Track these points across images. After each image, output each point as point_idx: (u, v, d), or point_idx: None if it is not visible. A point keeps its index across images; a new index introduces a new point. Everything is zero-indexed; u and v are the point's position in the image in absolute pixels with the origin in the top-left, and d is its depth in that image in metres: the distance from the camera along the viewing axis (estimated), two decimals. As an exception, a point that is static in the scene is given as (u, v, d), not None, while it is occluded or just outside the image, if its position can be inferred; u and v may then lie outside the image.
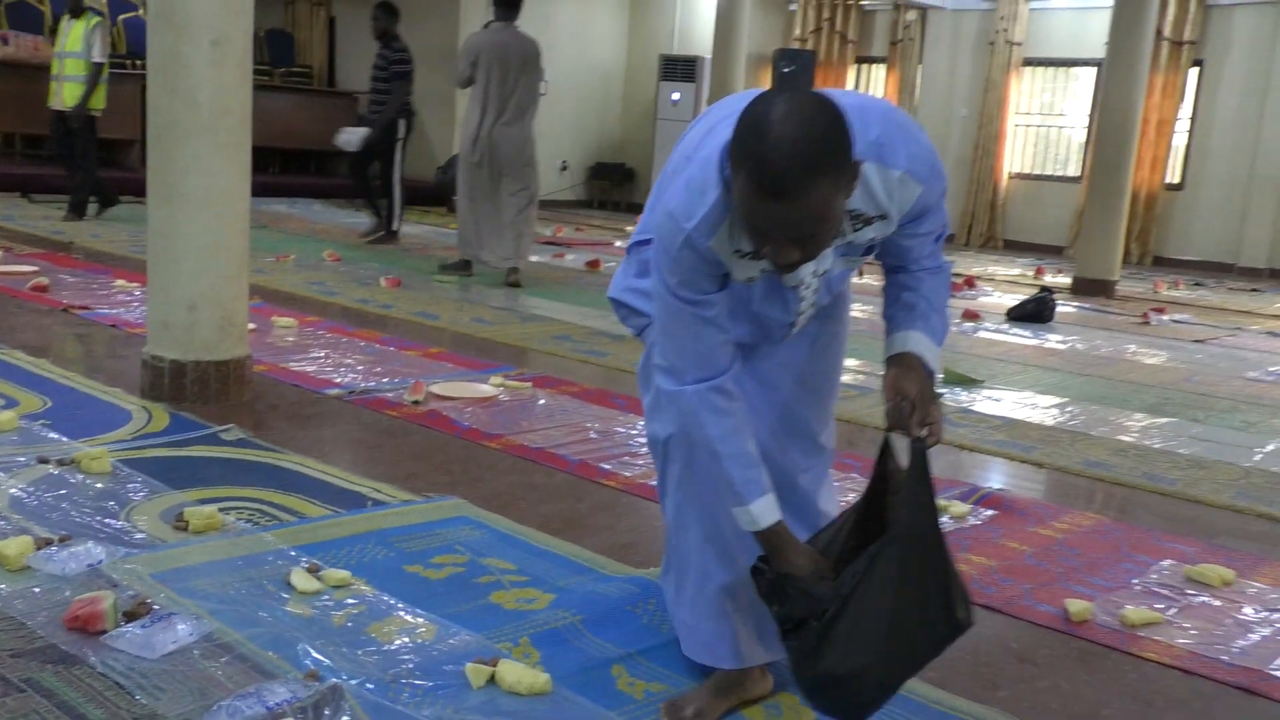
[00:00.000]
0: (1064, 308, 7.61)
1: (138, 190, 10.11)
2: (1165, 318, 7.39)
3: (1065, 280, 9.01)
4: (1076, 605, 2.41)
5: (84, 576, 2.20)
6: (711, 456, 1.68)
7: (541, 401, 3.97)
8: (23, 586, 2.14)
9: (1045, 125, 12.59)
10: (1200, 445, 4.02)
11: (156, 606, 2.07)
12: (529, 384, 4.18)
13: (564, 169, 14.11)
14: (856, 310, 2.86)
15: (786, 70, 13.07)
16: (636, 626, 2.16)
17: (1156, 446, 3.95)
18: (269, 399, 3.73)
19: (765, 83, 13.72)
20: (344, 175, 9.50)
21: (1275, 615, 2.49)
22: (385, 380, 4.09)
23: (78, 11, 7.88)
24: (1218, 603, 2.55)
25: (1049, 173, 12.51)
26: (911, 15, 12.94)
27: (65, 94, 7.88)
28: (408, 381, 4.03)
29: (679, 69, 13.24)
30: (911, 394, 1.64)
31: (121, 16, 12.30)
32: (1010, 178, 12.62)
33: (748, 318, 1.78)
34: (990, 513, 3.08)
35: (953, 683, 2.05)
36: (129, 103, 11.09)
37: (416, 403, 3.78)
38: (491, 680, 1.91)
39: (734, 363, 1.69)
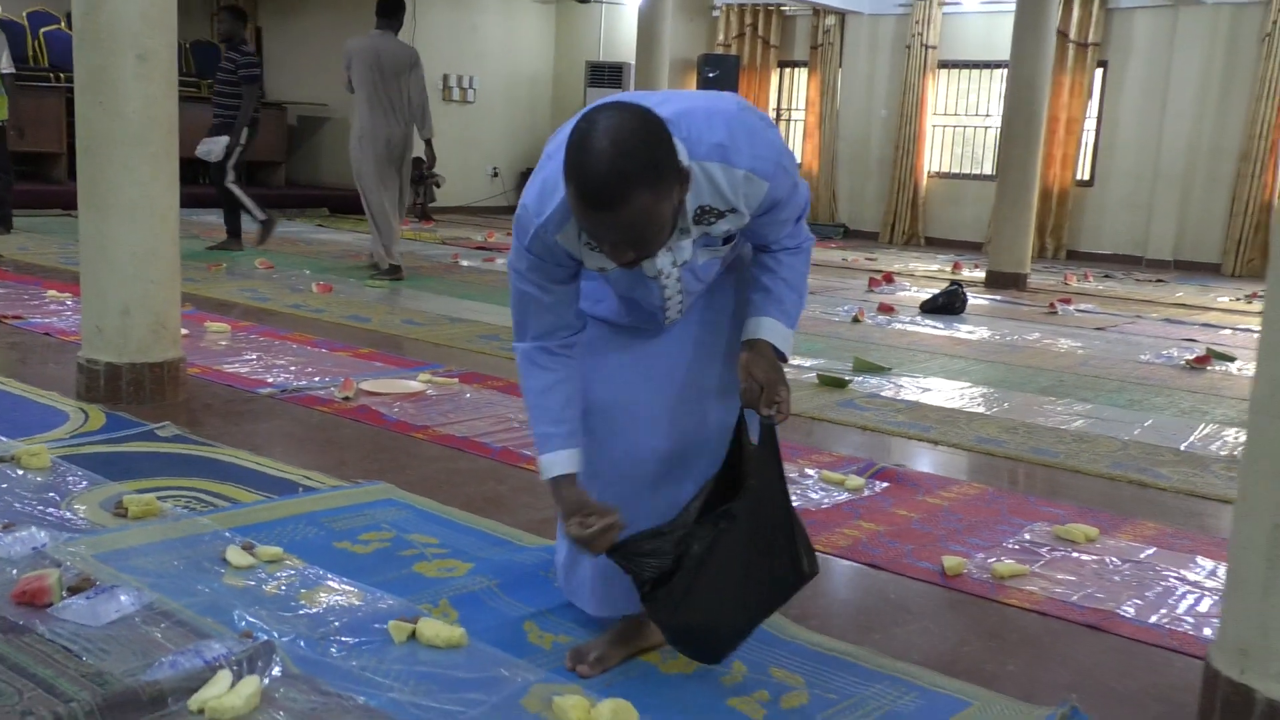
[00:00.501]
0: (977, 300, 7.94)
1: (67, 203, 10.11)
2: (1071, 308, 7.74)
3: (981, 274, 9.36)
4: (951, 561, 2.66)
5: (29, 558, 2.35)
6: (527, 409, 1.92)
7: (468, 395, 4.15)
8: (-28, 569, 2.29)
9: (962, 125, 13.00)
10: (1086, 421, 4.32)
11: (99, 581, 2.23)
12: (456, 380, 4.36)
13: (495, 175, 14.25)
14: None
15: (711, 75, 13.37)
16: (548, 589, 2.36)
17: (1045, 424, 4.24)
18: (203, 399, 3.88)
19: (690, 87, 13.99)
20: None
21: (1128, 565, 2.76)
22: (316, 379, 4.24)
23: None
24: (1080, 556, 2.81)
25: (967, 171, 12.92)
26: (831, 20, 13.28)
27: None
28: (338, 380, 4.20)
29: (605, 75, 13.46)
30: (759, 378, 1.85)
31: (43, 29, 12.23)
32: (930, 176, 13.01)
33: (623, 303, 1.97)
34: (884, 485, 3.32)
35: (832, 628, 2.28)
36: (53, 116, 11.07)
37: (347, 399, 3.95)
38: (412, 636, 2.10)
39: (574, 329, 1.89)
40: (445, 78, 13.45)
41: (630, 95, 1.85)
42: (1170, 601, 2.54)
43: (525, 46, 14.30)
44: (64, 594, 2.17)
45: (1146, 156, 11.52)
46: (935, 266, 10.40)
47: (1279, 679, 1.77)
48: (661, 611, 1.87)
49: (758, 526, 1.85)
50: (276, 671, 1.92)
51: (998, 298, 8.32)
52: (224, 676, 1.85)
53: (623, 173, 1.55)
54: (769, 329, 1.90)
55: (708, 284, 1.97)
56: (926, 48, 12.61)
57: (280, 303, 6.05)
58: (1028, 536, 2.94)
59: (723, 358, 2.01)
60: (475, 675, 1.98)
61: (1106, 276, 10.36)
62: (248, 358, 4.57)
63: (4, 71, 7.93)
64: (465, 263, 8.61)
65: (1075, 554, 2.83)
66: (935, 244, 12.79)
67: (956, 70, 12.86)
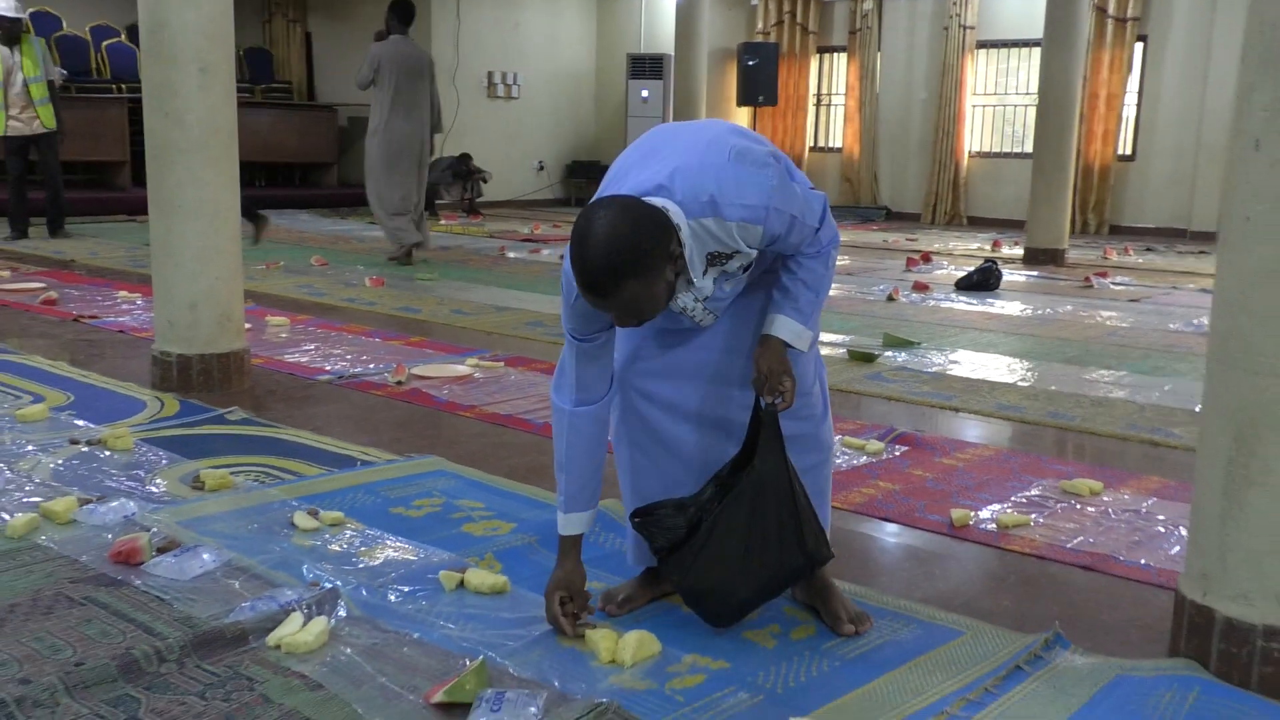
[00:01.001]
0: (1013, 276, 8.06)
1: (131, 209, 10.55)
2: (1107, 281, 7.83)
3: (1020, 252, 9.45)
4: (958, 513, 2.86)
5: (121, 525, 2.64)
6: (558, 466, 2.16)
7: (512, 377, 4.41)
8: (72, 535, 2.58)
9: (1002, 105, 13.04)
10: (1107, 387, 4.47)
11: (183, 543, 2.50)
12: (502, 364, 4.62)
13: (540, 169, 14.53)
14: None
15: (751, 63, 13.53)
16: (584, 544, 2.59)
17: (1066, 391, 4.40)
18: (267, 386, 4.17)
19: (730, 76, 14.17)
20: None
21: (1127, 514, 2.94)
22: (371, 366, 4.52)
23: (15, 39, 8.14)
24: (1084, 508, 2.99)
25: (1007, 150, 12.96)
26: (869, 4, 13.37)
27: (43, 117, 8.28)
28: (391, 366, 4.47)
29: (646, 67, 13.68)
30: (764, 369, 2.05)
31: (105, 42, 12.70)
32: (971, 156, 13.07)
33: (654, 327, 2.17)
34: (903, 449, 3.52)
35: (841, 574, 2.47)
36: (116, 125, 11.52)
37: (399, 383, 4.22)
38: (461, 585, 2.35)
39: (610, 392, 2.12)
40: (490, 75, 13.75)
41: (628, 157, 2.02)
42: (1162, 546, 2.72)
43: (567, 41, 14.55)
44: (154, 553, 2.45)
45: (1189, 130, 11.50)
46: (975, 245, 10.50)
47: (1235, 600, 1.96)
48: (674, 573, 2.14)
49: (759, 506, 2.07)
50: (342, 613, 2.18)
51: (1034, 274, 8.43)
52: (296, 618, 2.11)
53: (613, 268, 1.80)
54: (780, 325, 2.08)
55: (736, 294, 2.13)
56: (964, 28, 12.67)
57: (335, 297, 6.36)
58: (1035, 491, 3.13)
59: (748, 353, 2.19)
60: (517, 615, 2.22)
61: (1149, 250, 10.39)
62: (307, 348, 4.86)
63: (51, 79, 8.30)
64: (512, 254, 8.88)
65: (1079, 506, 3.01)
66: (977, 223, 12.85)
67: (995, 49, 12.89)
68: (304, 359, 4.65)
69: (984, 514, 2.92)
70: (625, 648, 2.04)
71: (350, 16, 13.84)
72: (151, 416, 3.68)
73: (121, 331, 5.15)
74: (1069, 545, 2.72)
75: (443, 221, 11.68)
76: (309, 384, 4.24)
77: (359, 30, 13.91)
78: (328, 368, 4.49)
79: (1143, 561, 2.62)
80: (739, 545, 2.08)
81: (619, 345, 2.20)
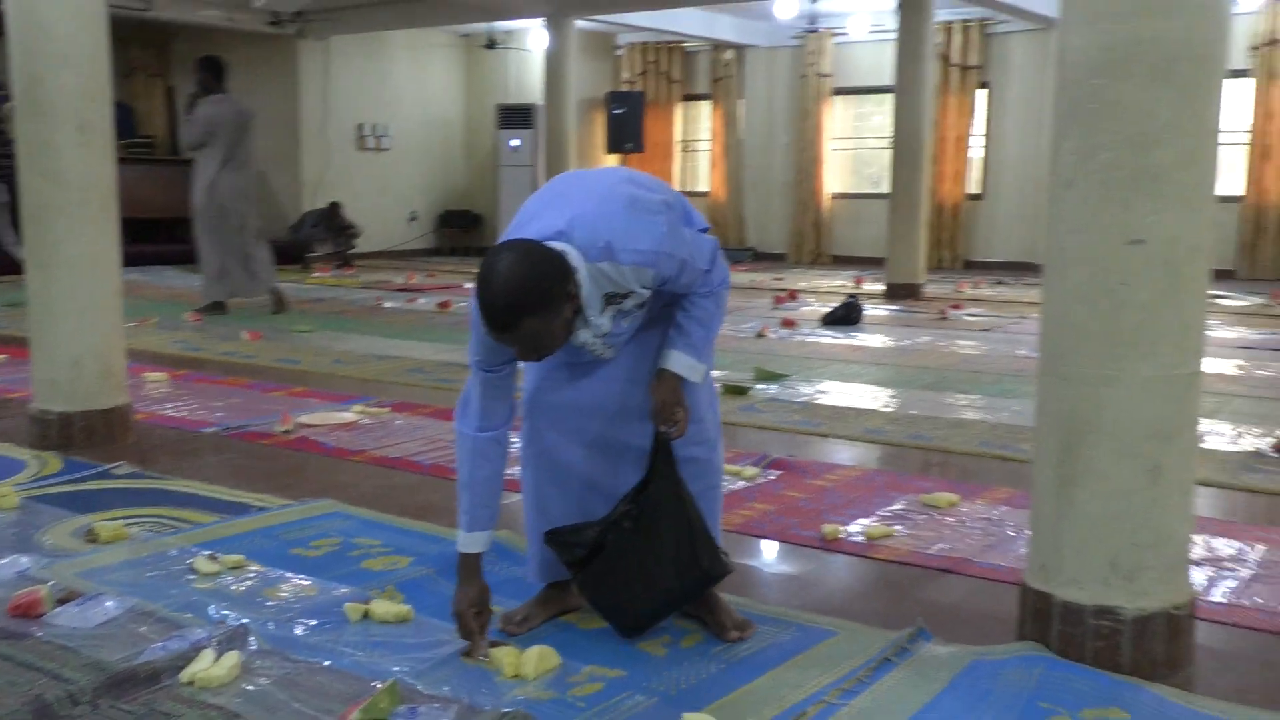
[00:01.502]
0: (875, 310, 8.47)
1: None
2: (961, 312, 8.29)
3: (881, 287, 9.91)
4: (829, 528, 3.08)
5: (15, 580, 2.65)
6: (461, 486, 2.29)
7: (399, 422, 4.50)
8: (-33, 590, 2.59)
9: (859, 148, 13.66)
10: (961, 410, 4.80)
11: (85, 593, 2.54)
12: (388, 409, 4.71)
13: (413, 219, 14.57)
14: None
15: (618, 111, 13.87)
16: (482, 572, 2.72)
17: (925, 414, 4.70)
18: (151, 440, 4.18)
19: (598, 124, 14.49)
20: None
21: (982, 522, 3.21)
22: (256, 417, 4.56)
23: None
24: (943, 518, 3.25)
25: (866, 191, 13.55)
26: (730, 54, 13.89)
27: None
28: (277, 415, 4.51)
29: (516, 116, 13.90)
30: (659, 400, 2.24)
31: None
32: (832, 198, 13.62)
33: (559, 360, 2.33)
34: (776, 473, 3.74)
35: (726, 587, 2.65)
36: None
37: (286, 432, 4.27)
38: (366, 615, 2.45)
39: (509, 421, 2.28)
40: (359, 127, 13.78)
41: (532, 205, 2.20)
42: (1012, 547, 2.98)
43: (436, 92, 14.68)
44: (55, 604, 2.48)
45: (1031, 169, 12.22)
46: (839, 282, 10.95)
47: (1069, 585, 2.21)
48: (586, 589, 2.34)
49: (655, 527, 2.26)
50: (253, 647, 2.26)
51: (895, 308, 8.86)
52: (208, 654, 2.19)
53: (512, 306, 1.96)
54: (674, 360, 2.27)
55: (634, 329, 2.29)
56: (821, 76, 13.26)
57: (213, 351, 6.33)
58: (899, 505, 3.37)
59: (648, 385, 2.34)
60: (422, 640, 2.34)
61: (1000, 283, 11.00)
62: (188, 402, 4.86)
63: None
64: (388, 304, 8.93)
65: (939, 516, 3.27)
66: (840, 261, 13.38)
67: (851, 95, 13.51)
68: (186, 413, 4.66)
69: (853, 528, 3.15)
70: (527, 662, 2.18)
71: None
72: (34, 475, 3.66)
73: (-8, 392, 5.06)
74: (930, 551, 2.96)
75: (315, 274, 11.64)
76: (195, 436, 4.26)
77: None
78: (212, 420, 4.51)
79: (996, 563, 2.87)
80: (637, 563, 2.27)
81: (527, 376, 2.37)
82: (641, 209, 2.12)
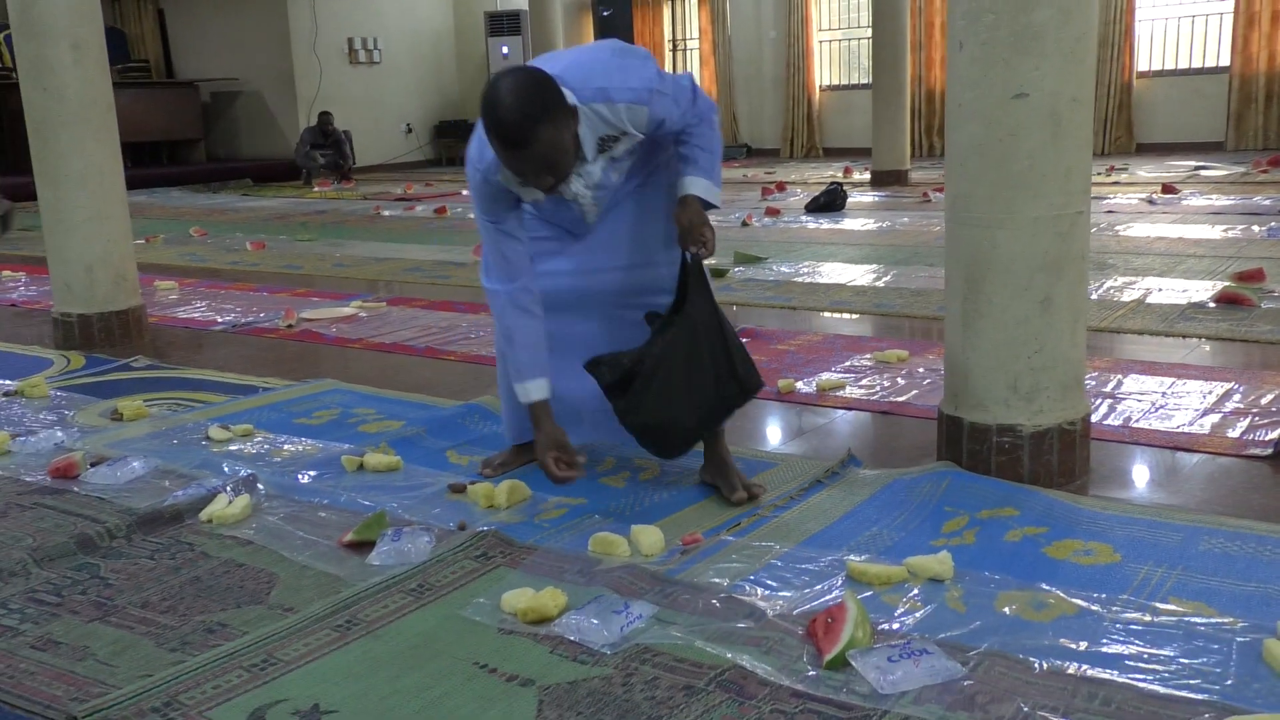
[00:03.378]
0: (860, 198, 8.67)
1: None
2: (942, 195, 8.47)
3: (868, 176, 10.09)
4: (784, 382, 3.38)
5: (53, 450, 2.98)
6: (508, 341, 2.44)
7: (395, 314, 4.79)
8: (10, 461, 2.92)
9: (847, 39, 13.67)
10: (926, 281, 5.06)
11: (114, 458, 2.87)
12: (384, 304, 5.00)
13: (409, 131, 14.71)
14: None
15: (606, 14, 13.88)
16: (464, 430, 3.04)
17: (893, 286, 4.97)
18: (165, 338, 4.49)
19: (587, 27, 14.52)
20: None
21: (926, 374, 3.49)
22: (262, 315, 4.86)
23: None
24: (890, 373, 3.54)
25: (854, 82, 13.61)
26: (716, -51, 13.84)
27: None
28: (281, 312, 4.81)
29: (504, 23, 13.94)
30: (684, 222, 2.38)
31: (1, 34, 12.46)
32: (822, 90, 13.69)
33: (550, 225, 2.53)
34: (744, 340, 4.01)
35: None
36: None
37: (290, 326, 4.57)
38: (361, 467, 2.77)
39: (530, 270, 2.41)
40: (350, 40, 13.86)
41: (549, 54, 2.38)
42: (948, 391, 3.27)
43: (423, 3, 14.69)
44: (88, 466, 2.81)
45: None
46: (829, 173, 11.11)
47: (976, 409, 2.50)
48: (627, 413, 2.35)
49: (694, 342, 2.36)
50: (262, 491, 2.59)
51: (880, 194, 9.06)
52: (223, 498, 2.51)
53: (526, 115, 2.05)
54: (692, 184, 2.40)
55: (619, 185, 2.45)
56: (807, -33, 13.22)
57: (219, 261, 6.62)
58: (852, 362, 3.66)
59: (664, 218, 2.45)
60: (410, 484, 2.66)
61: (988, 167, 11.12)
62: (198, 305, 5.17)
63: None
64: (387, 213, 9.18)
65: (888, 371, 3.55)
66: (832, 153, 13.51)
67: (837, -14, 13.50)
68: (197, 315, 4.96)
69: (806, 381, 3.44)
70: (500, 494, 2.49)
71: (203, -10, 13.77)
72: (60, 371, 3.98)
73: (14, 305, 5.37)
74: (874, 398, 3.26)
75: (316, 189, 11.85)
76: (205, 333, 4.57)
77: (212, 5, 13.86)
78: (220, 320, 4.81)
79: (931, 404, 3.16)
80: (681, 380, 2.31)
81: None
82: (631, 55, 2.30)
